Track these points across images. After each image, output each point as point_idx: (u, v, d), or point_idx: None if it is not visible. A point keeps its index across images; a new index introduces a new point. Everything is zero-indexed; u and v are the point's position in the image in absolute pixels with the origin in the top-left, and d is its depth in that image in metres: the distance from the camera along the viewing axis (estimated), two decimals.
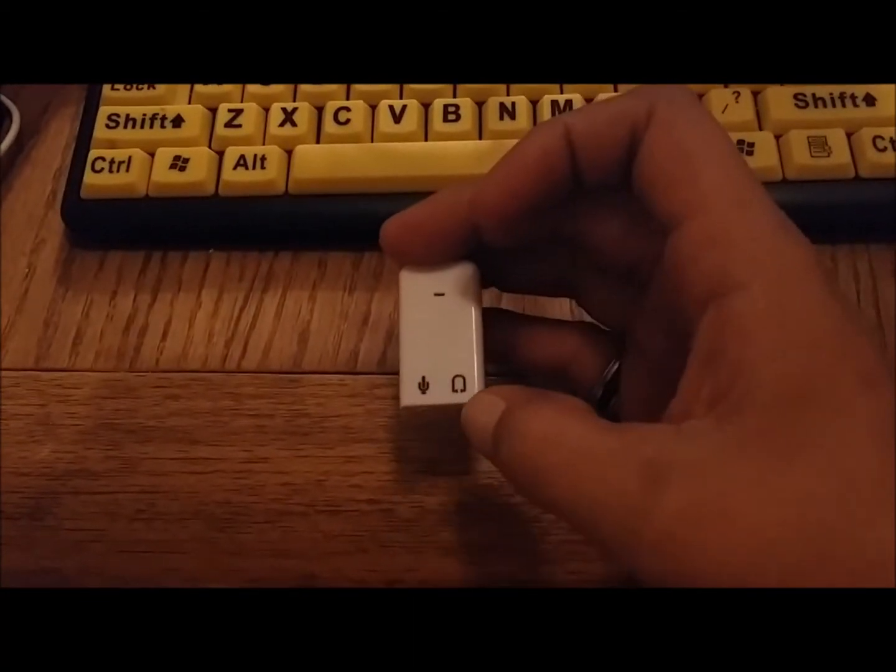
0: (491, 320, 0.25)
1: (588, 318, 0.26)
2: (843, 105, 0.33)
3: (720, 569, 0.17)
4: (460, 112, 0.34)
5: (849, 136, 0.32)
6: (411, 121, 0.34)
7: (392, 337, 0.31)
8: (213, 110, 0.35)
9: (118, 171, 0.33)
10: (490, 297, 0.30)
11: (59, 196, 0.35)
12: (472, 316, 0.24)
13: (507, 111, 0.34)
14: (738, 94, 0.33)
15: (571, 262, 0.25)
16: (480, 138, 0.34)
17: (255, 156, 0.33)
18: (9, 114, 0.37)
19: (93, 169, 0.34)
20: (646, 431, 0.19)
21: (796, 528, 0.17)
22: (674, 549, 0.18)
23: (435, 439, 0.29)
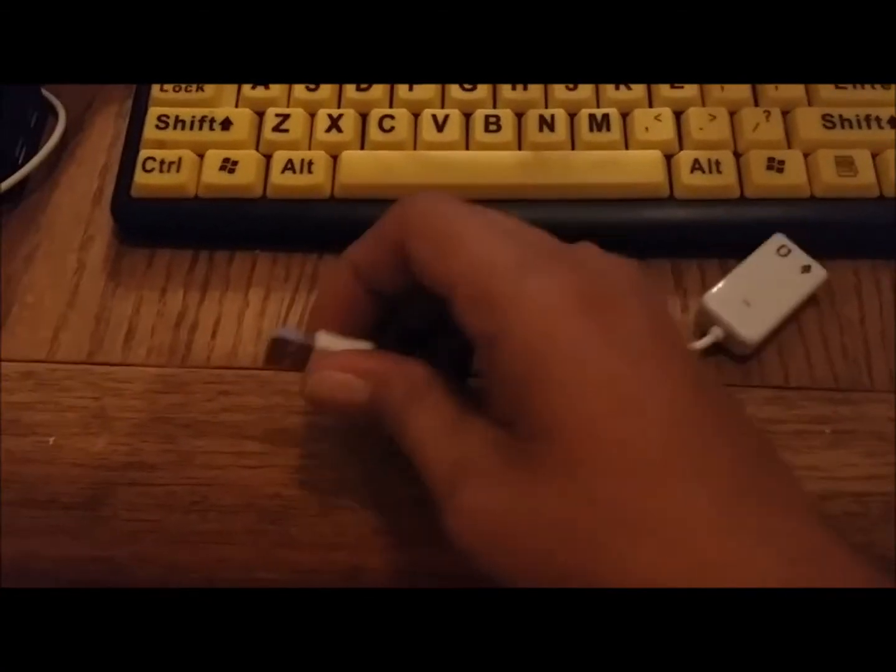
0: None
1: None
2: (869, 127, 0.34)
3: (495, 560, 0.22)
4: (501, 123, 0.35)
5: (874, 156, 0.34)
6: (453, 130, 0.35)
7: None
8: (261, 114, 0.36)
9: (168, 171, 0.34)
10: None
11: (106, 193, 0.36)
12: None
13: (546, 123, 0.35)
14: (769, 113, 0.35)
15: None
16: (520, 149, 0.35)
17: (303, 160, 0.34)
18: (54, 111, 0.38)
19: (143, 168, 0.34)
20: (467, 432, 0.23)
21: (542, 539, 0.21)
22: (462, 536, 0.22)
23: None
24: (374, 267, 0.26)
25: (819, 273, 0.32)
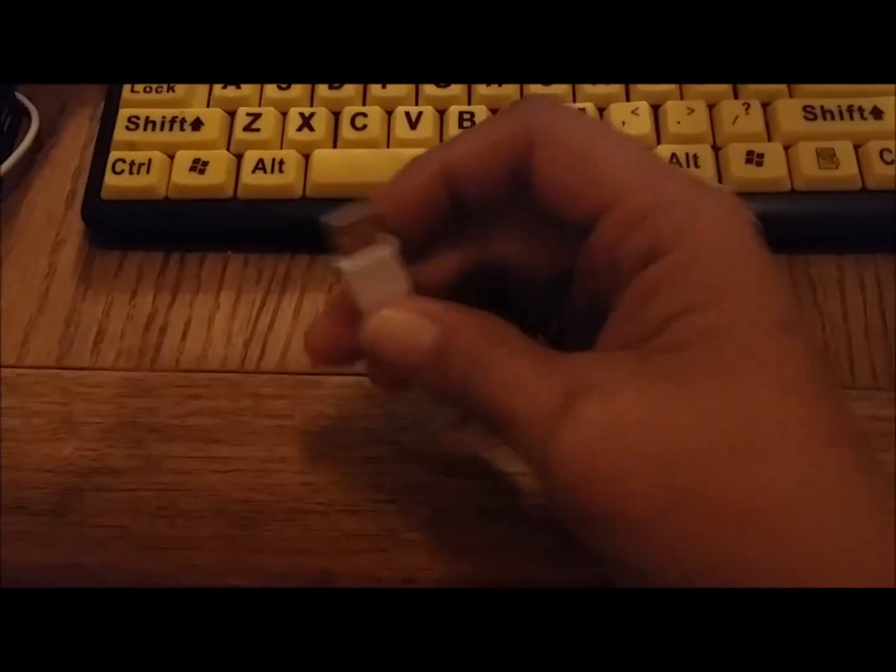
0: None
1: None
2: (851, 118, 0.33)
3: (613, 487, 0.19)
4: (475, 119, 0.35)
5: (856, 148, 0.33)
6: (427, 127, 0.35)
7: None
8: (232, 114, 0.35)
9: (138, 172, 0.34)
10: None
11: (78, 196, 0.35)
12: None
13: None
14: (748, 105, 0.34)
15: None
16: None
17: (274, 160, 0.34)
18: (27, 114, 0.38)
19: (113, 170, 0.34)
20: (571, 357, 0.21)
21: (683, 455, 0.19)
22: (578, 459, 0.19)
23: (452, 441, 0.30)
24: (475, 173, 0.22)
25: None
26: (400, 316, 0.22)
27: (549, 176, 0.22)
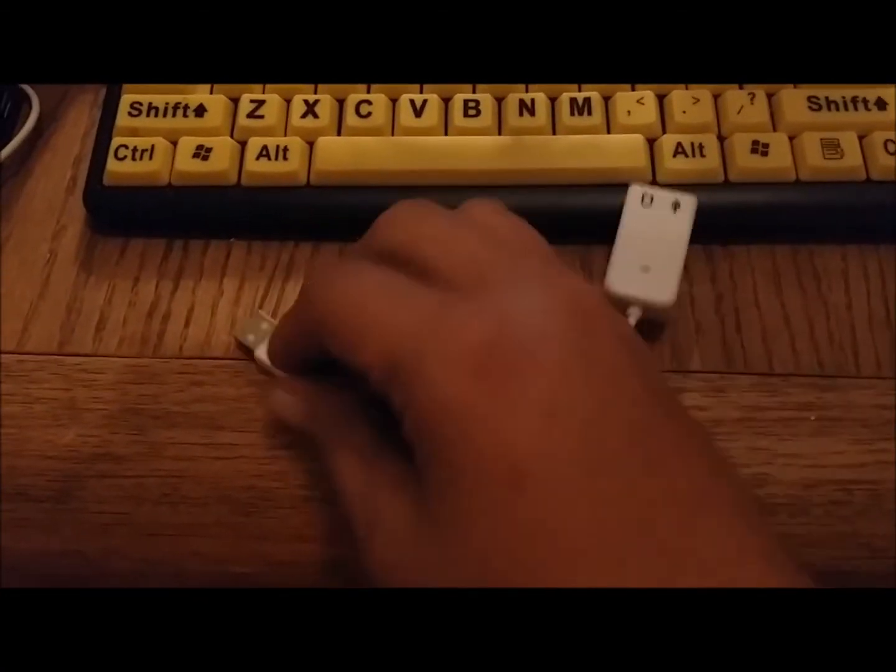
0: None
1: None
2: (856, 108, 0.33)
3: None
4: (480, 108, 0.34)
5: (861, 139, 0.33)
6: (432, 115, 0.34)
7: None
8: (235, 100, 0.35)
9: (141, 158, 0.34)
10: None
11: (80, 183, 0.35)
12: None
13: (527, 107, 0.34)
14: (753, 95, 0.34)
15: None
16: (500, 134, 0.34)
17: (278, 147, 0.34)
18: (28, 100, 0.37)
19: (116, 156, 0.34)
20: (386, 468, 0.24)
21: None
22: (376, 576, 0.23)
23: None
24: (300, 352, 0.28)
25: (689, 201, 0.31)
26: (282, 397, 0.28)
27: (332, 353, 0.24)
